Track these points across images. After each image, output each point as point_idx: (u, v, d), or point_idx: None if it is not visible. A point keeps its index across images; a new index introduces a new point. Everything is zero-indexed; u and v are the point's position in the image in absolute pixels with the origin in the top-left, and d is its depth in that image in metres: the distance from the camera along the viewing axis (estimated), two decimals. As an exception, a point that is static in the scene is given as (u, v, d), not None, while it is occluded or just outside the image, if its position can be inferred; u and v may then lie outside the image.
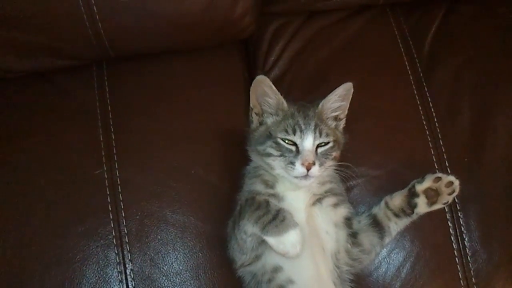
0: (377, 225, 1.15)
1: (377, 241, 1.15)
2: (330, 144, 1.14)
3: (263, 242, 1.06)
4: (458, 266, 1.22)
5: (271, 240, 1.03)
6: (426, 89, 1.33)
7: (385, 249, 1.23)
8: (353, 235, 1.15)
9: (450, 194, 1.11)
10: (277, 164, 1.12)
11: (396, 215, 1.14)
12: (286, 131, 1.12)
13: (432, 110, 1.31)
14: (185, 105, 1.31)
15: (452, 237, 1.23)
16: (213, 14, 1.26)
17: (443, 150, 1.28)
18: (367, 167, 1.28)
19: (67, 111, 1.28)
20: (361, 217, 1.18)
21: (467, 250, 1.22)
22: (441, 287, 1.22)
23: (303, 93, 1.35)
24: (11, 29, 1.20)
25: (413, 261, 1.22)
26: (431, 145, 1.28)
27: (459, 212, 1.24)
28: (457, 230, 1.23)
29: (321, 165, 1.10)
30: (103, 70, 1.34)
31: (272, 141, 1.13)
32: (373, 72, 1.36)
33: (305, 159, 1.08)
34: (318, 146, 1.13)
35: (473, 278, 1.21)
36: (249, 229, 1.05)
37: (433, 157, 1.27)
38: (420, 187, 1.11)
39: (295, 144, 1.11)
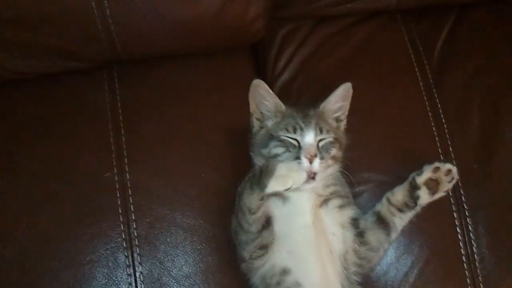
0: (382, 222, 1.16)
1: (384, 238, 1.16)
2: (331, 139, 1.16)
3: (267, 225, 1.07)
4: (466, 272, 1.22)
5: (271, 184, 1.03)
6: (436, 95, 1.34)
7: (393, 254, 1.23)
8: (360, 234, 1.15)
9: (449, 182, 1.12)
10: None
11: (400, 210, 1.15)
12: (287, 130, 1.15)
13: (442, 116, 1.32)
14: (196, 108, 1.32)
15: (460, 243, 1.23)
16: (225, 19, 1.26)
17: (453, 156, 1.28)
18: (376, 173, 1.28)
19: (77, 113, 1.28)
20: (366, 216, 1.19)
21: (476, 256, 1.23)
22: (449, 293, 1.23)
23: (312, 98, 1.35)
24: (22, 31, 1.21)
25: (422, 266, 1.22)
26: (440, 151, 1.29)
27: (468, 218, 1.24)
28: (466, 236, 1.24)
29: (322, 158, 1.11)
30: (113, 72, 1.34)
31: (275, 140, 1.15)
32: (383, 78, 1.37)
33: (307, 152, 1.10)
34: (320, 141, 1.15)
35: (481, 284, 1.21)
36: (249, 200, 1.05)
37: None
38: (420, 179, 1.12)
39: (296, 140, 1.14)
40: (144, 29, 1.25)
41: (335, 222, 1.15)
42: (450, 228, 1.24)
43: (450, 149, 1.29)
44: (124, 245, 1.18)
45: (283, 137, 1.14)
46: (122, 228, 1.18)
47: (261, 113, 1.22)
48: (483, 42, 1.41)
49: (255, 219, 1.06)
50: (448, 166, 1.12)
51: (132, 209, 1.20)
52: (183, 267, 1.18)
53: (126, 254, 1.17)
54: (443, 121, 1.31)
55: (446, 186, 1.13)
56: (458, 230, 1.24)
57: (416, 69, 1.37)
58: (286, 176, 1.04)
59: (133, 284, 1.16)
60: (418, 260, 1.22)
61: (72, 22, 1.20)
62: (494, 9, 1.45)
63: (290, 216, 1.12)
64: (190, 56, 1.38)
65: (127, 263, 1.17)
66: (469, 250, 1.23)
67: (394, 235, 1.17)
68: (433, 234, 1.23)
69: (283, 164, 1.07)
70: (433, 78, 1.36)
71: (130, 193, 1.21)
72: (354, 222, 1.16)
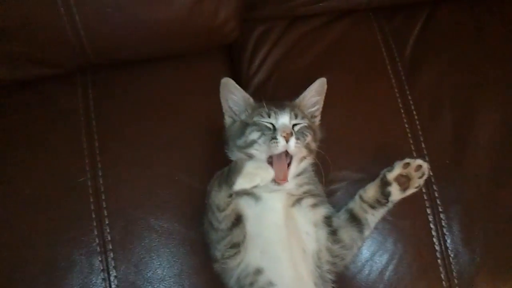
0: (355, 219, 1.17)
1: (357, 235, 1.17)
2: (306, 125, 1.17)
3: (238, 222, 1.08)
4: (440, 267, 1.23)
5: (239, 182, 1.04)
6: (408, 92, 1.35)
7: (368, 252, 1.24)
8: (333, 233, 1.16)
9: (420, 177, 1.13)
10: (261, 150, 1.13)
11: (372, 207, 1.16)
12: (261, 115, 1.17)
13: (414, 112, 1.33)
14: (170, 111, 1.32)
15: (434, 239, 1.24)
16: (196, 21, 1.26)
17: (425, 152, 1.29)
18: (350, 171, 1.29)
19: (50, 119, 1.28)
20: (339, 213, 1.20)
21: (450, 252, 1.23)
22: (424, 288, 1.23)
23: (287, 98, 1.35)
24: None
25: (396, 263, 1.23)
26: (413, 148, 1.29)
27: (441, 214, 1.25)
28: (439, 232, 1.24)
29: (297, 139, 1.11)
30: (87, 77, 1.34)
31: (251, 126, 1.16)
32: (355, 76, 1.38)
33: (282, 130, 1.11)
34: (294, 125, 1.16)
35: (455, 279, 1.22)
36: (217, 198, 1.06)
37: (415, 159, 1.28)
38: (391, 175, 1.13)
39: (271, 124, 1.15)
40: (115, 33, 1.24)
41: (308, 221, 1.16)
42: (424, 224, 1.25)
43: (423, 145, 1.30)
44: (98, 249, 1.18)
45: (258, 122, 1.15)
46: (96, 233, 1.18)
47: (233, 110, 1.24)
48: (455, 39, 1.42)
49: (225, 216, 1.07)
50: (419, 161, 1.13)
51: (106, 214, 1.20)
52: (158, 270, 1.18)
53: (101, 259, 1.17)
54: (416, 117, 1.32)
55: (417, 182, 1.13)
56: (432, 226, 1.25)
57: (389, 67, 1.38)
58: (253, 174, 1.05)
59: (108, 288, 1.17)
60: (392, 257, 1.23)
61: (41, 28, 1.19)
62: (465, 5, 1.46)
63: (262, 216, 1.12)
64: (164, 59, 1.38)
65: (102, 268, 1.17)
66: (443, 246, 1.24)
67: (367, 232, 1.18)
68: (407, 231, 1.24)
69: (251, 162, 1.08)
70: (405, 75, 1.37)
71: (103, 198, 1.21)
72: (327, 220, 1.17)
